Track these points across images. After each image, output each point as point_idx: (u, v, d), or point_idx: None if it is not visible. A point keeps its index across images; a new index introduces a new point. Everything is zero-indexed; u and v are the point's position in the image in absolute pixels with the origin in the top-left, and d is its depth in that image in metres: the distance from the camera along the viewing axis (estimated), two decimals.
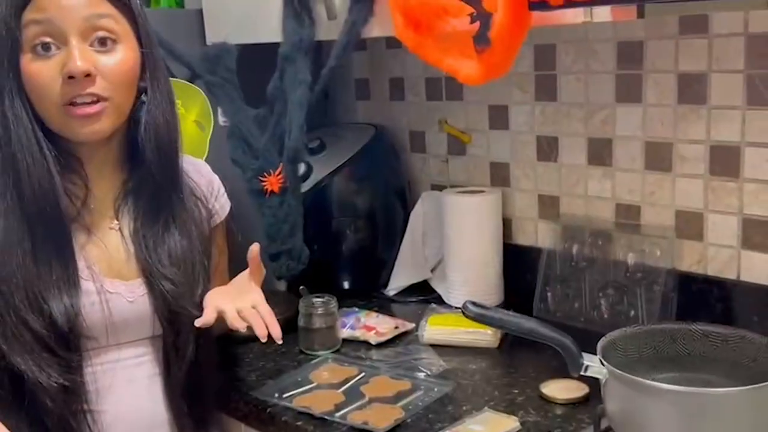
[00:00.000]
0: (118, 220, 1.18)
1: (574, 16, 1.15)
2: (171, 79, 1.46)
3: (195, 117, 1.57)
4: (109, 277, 1.15)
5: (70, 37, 1.06)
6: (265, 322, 1.15)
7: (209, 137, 1.53)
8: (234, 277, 1.26)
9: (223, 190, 1.34)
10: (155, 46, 1.18)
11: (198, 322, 1.14)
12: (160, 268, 1.17)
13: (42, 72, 1.06)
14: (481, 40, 1.15)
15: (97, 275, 1.13)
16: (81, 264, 1.12)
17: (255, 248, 1.20)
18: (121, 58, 1.10)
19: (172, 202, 1.20)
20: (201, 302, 1.19)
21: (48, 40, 1.06)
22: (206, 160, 1.41)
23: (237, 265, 1.30)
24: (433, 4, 1.22)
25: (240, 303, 1.16)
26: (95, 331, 1.12)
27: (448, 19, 1.20)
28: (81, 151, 1.14)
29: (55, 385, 1.05)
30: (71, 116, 1.08)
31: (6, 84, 1.07)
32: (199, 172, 1.30)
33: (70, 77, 1.06)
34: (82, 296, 1.10)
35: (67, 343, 1.09)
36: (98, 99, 1.08)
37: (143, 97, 1.15)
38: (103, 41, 1.08)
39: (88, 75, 1.06)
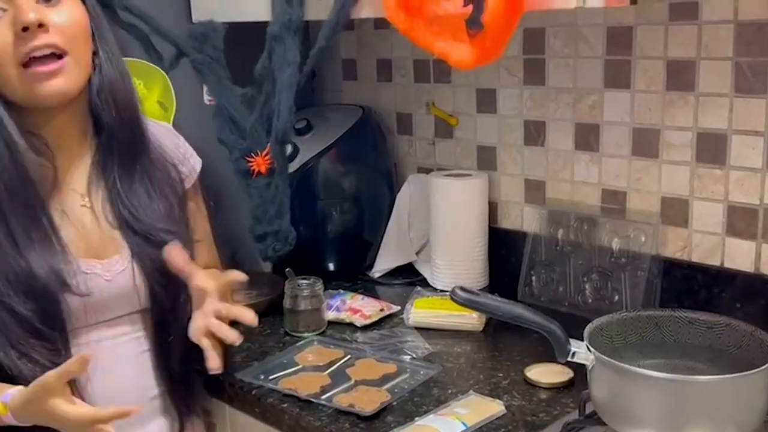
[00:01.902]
0: (89, 197, 1.17)
1: (567, 1, 1.14)
2: (133, 59, 1.45)
3: (157, 97, 1.56)
4: (86, 257, 1.13)
5: None
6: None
7: (172, 117, 1.52)
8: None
9: (191, 149, 1.33)
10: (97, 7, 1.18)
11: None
12: (148, 235, 1.16)
13: None
14: (474, 23, 1.14)
15: (72, 256, 1.12)
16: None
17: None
18: (69, 13, 1.10)
19: (144, 166, 1.19)
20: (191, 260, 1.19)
21: None
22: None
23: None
24: None
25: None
26: (75, 312, 1.11)
27: (441, 2, 1.19)
28: (44, 127, 1.13)
29: (39, 373, 1.02)
30: (32, 76, 1.07)
31: None
32: (167, 135, 1.30)
33: (24, 29, 1.05)
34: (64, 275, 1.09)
35: (52, 322, 1.08)
36: (57, 53, 1.08)
37: (95, 60, 1.15)
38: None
39: (41, 25, 1.06)
